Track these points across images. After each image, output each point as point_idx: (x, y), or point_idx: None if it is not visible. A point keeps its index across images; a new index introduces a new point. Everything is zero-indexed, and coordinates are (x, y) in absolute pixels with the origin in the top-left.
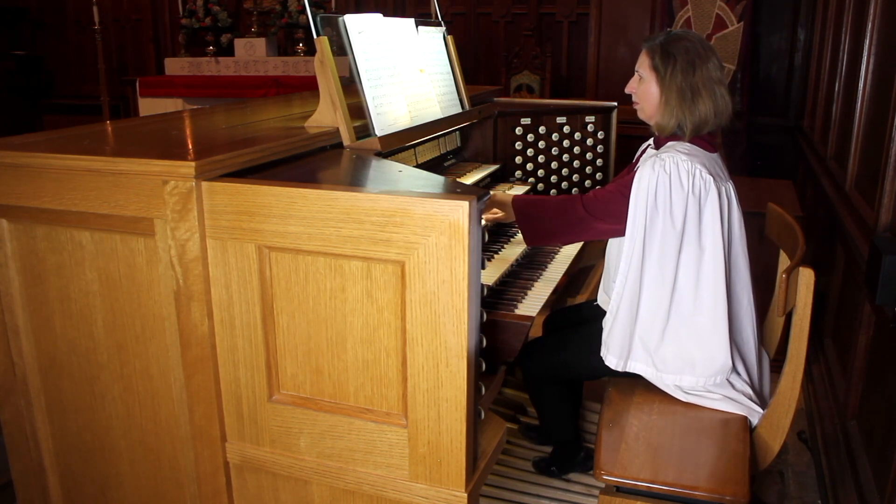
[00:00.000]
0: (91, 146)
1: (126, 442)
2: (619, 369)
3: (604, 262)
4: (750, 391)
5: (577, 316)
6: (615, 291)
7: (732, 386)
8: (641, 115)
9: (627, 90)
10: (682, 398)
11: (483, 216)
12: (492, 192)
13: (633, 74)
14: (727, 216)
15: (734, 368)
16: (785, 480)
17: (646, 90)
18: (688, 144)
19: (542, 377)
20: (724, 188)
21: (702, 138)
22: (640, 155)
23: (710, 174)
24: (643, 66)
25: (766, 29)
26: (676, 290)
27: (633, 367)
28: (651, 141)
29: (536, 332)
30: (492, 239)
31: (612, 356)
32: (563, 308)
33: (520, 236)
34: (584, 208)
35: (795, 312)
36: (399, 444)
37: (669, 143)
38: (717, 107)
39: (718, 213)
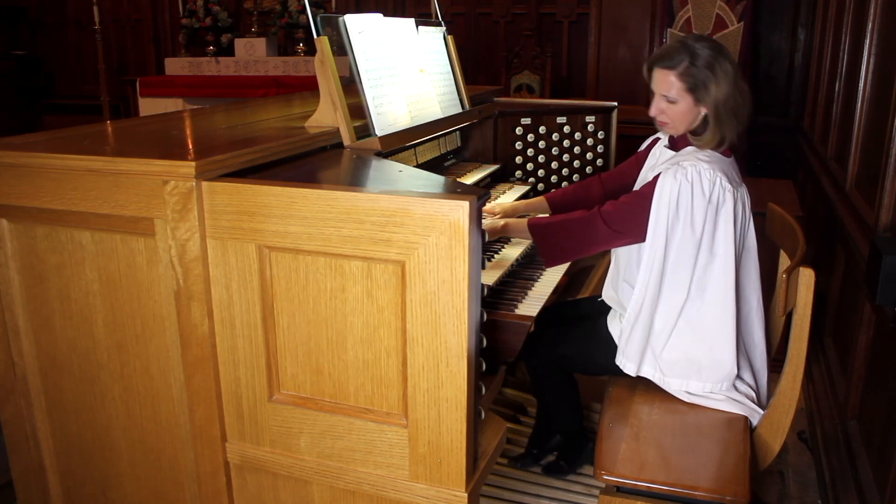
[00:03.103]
0: (91, 146)
1: (126, 442)
2: (635, 374)
3: (605, 260)
4: (752, 392)
5: (576, 311)
6: (634, 300)
7: (735, 387)
8: (671, 132)
9: (653, 114)
10: (683, 398)
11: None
12: (507, 220)
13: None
14: (742, 221)
15: (739, 373)
16: (785, 480)
17: (680, 112)
18: (708, 151)
19: (544, 370)
20: (739, 194)
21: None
22: (649, 147)
23: (729, 182)
24: (673, 89)
25: (766, 29)
26: (688, 297)
27: (644, 372)
28: (664, 139)
29: None
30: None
31: (631, 363)
32: (560, 303)
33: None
34: (605, 225)
35: (795, 312)
36: (399, 444)
37: (688, 149)
38: (748, 107)
39: (732, 220)
